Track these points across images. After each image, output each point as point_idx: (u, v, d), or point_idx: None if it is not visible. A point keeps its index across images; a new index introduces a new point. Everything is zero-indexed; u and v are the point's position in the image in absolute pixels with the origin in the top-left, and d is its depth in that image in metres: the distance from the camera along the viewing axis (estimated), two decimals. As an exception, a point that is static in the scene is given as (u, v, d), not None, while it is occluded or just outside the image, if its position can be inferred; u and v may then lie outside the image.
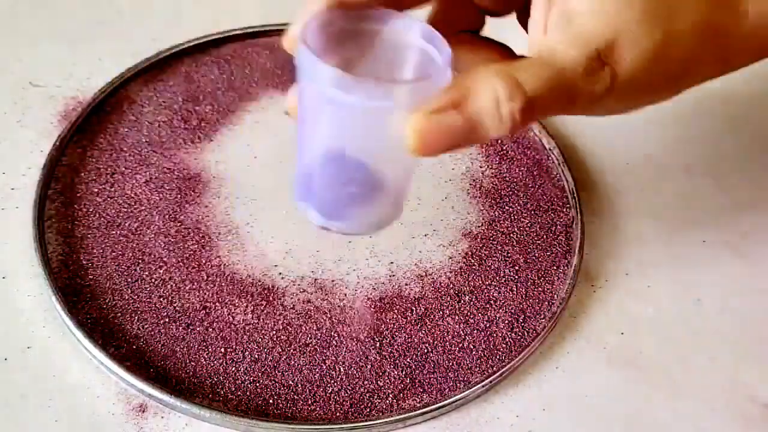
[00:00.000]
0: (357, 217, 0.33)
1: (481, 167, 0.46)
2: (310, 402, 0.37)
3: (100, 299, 0.39)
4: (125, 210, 0.42)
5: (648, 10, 0.29)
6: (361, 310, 0.40)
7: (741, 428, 0.38)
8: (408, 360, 0.38)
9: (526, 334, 0.39)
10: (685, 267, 0.43)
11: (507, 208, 0.44)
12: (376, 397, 0.37)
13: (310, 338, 0.38)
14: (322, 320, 0.39)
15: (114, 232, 0.41)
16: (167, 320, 0.38)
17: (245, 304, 0.39)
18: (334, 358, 0.38)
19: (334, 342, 0.38)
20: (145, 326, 0.38)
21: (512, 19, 0.35)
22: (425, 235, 0.43)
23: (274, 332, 0.38)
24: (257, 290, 0.40)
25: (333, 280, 0.40)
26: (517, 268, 0.42)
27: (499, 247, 0.43)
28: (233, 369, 0.37)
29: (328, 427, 0.36)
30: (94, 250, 0.40)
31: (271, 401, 0.36)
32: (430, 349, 0.39)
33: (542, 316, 0.40)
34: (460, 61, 0.31)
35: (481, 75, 0.28)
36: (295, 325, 0.39)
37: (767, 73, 0.54)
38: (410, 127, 0.28)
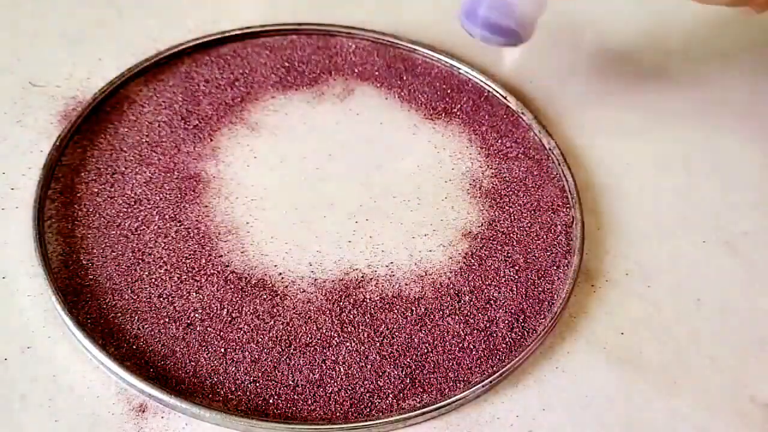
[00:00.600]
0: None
1: (481, 167, 0.46)
2: (310, 402, 0.37)
3: (100, 299, 0.39)
4: (125, 210, 0.42)
5: None
6: (360, 310, 0.40)
7: (741, 428, 0.38)
8: (408, 360, 0.38)
9: (526, 334, 0.39)
10: (685, 267, 0.43)
11: (507, 208, 0.44)
12: (376, 397, 0.37)
13: (310, 338, 0.38)
14: (322, 320, 0.39)
15: (114, 232, 0.41)
16: (167, 320, 0.38)
17: (245, 304, 0.39)
18: (334, 358, 0.38)
19: (334, 342, 0.38)
20: (145, 326, 0.38)
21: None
22: (425, 235, 0.43)
23: (274, 332, 0.38)
24: (257, 290, 0.40)
25: (333, 280, 0.40)
26: (517, 268, 0.42)
27: (499, 247, 0.43)
28: (233, 369, 0.37)
29: (328, 427, 0.36)
30: (94, 250, 0.40)
31: (271, 401, 0.36)
32: (430, 349, 0.39)
33: (542, 316, 0.40)
34: None
35: None
36: (295, 325, 0.39)
37: (767, 73, 0.54)
38: None
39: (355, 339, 0.39)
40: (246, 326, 0.39)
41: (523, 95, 0.50)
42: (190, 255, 0.41)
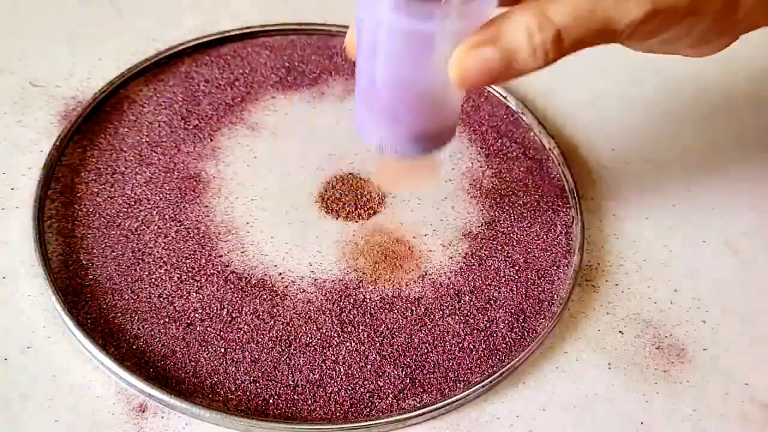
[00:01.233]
0: (416, 136, 0.34)
1: (481, 167, 0.46)
2: (310, 402, 0.37)
3: (100, 299, 0.39)
4: (125, 210, 0.42)
5: None
6: (360, 310, 0.40)
7: (741, 428, 0.38)
8: (408, 360, 0.38)
9: (526, 334, 0.39)
10: (685, 267, 0.43)
11: (507, 208, 0.44)
12: (376, 397, 0.37)
13: (310, 338, 0.38)
14: (322, 320, 0.39)
15: (114, 232, 0.41)
16: (167, 320, 0.38)
17: (245, 304, 0.39)
18: (334, 358, 0.38)
19: (334, 342, 0.38)
20: (145, 326, 0.38)
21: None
22: (425, 235, 0.43)
23: (274, 332, 0.38)
24: (257, 290, 0.40)
25: (333, 280, 0.40)
26: (517, 268, 0.42)
27: (499, 247, 0.43)
28: (233, 369, 0.37)
29: (328, 427, 0.36)
30: (94, 250, 0.40)
31: (271, 401, 0.36)
32: (430, 349, 0.39)
33: (542, 316, 0.40)
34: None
35: (515, 11, 0.30)
36: (295, 325, 0.39)
37: (767, 72, 0.54)
38: (452, 61, 0.30)
39: (355, 339, 0.39)
40: (246, 326, 0.39)
41: (523, 95, 0.50)
42: (190, 255, 0.41)
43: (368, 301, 0.40)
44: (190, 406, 0.35)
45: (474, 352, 0.39)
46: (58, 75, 0.48)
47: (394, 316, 0.39)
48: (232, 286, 0.40)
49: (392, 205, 0.44)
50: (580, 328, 0.40)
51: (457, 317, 0.40)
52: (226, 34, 0.50)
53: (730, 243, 0.44)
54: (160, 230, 0.41)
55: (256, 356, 0.38)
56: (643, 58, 0.54)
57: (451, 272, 0.41)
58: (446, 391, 0.37)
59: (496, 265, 0.42)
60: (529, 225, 0.44)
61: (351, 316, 0.39)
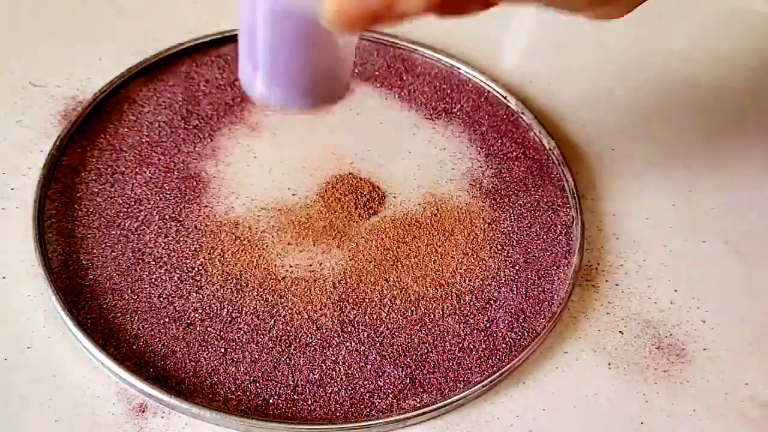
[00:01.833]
0: (299, 87, 0.31)
1: (481, 167, 0.46)
2: (310, 402, 0.37)
3: (100, 299, 0.39)
4: (125, 210, 0.42)
5: None
6: (360, 310, 0.40)
7: (741, 428, 0.38)
8: (408, 360, 0.38)
9: (526, 334, 0.39)
10: (685, 267, 0.43)
11: (507, 208, 0.44)
12: (376, 397, 0.37)
13: (310, 338, 0.38)
14: (321, 320, 0.39)
15: (114, 232, 0.41)
16: (167, 320, 0.38)
17: (245, 304, 0.39)
18: (334, 358, 0.38)
19: (334, 342, 0.38)
20: (145, 326, 0.38)
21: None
22: (425, 235, 0.43)
23: (274, 332, 0.38)
24: (257, 290, 0.40)
25: (333, 281, 0.40)
26: (517, 268, 0.42)
27: (499, 247, 0.43)
28: (233, 369, 0.37)
29: (328, 427, 0.36)
30: (94, 250, 0.40)
31: (271, 401, 0.36)
32: (430, 349, 0.39)
33: (542, 316, 0.40)
34: None
35: None
36: (295, 325, 0.39)
37: (767, 72, 0.54)
38: (328, 2, 0.27)
39: (355, 339, 0.39)
40: (246, 326, 0.39)
41: (523, 95, 0.50)
42: (190, 255, 0.41)
43: (368, 301, 0.40)
44: (190, 406, 0.35)
45: (474, 352, 0.39)
46: (58, 75, 0.48)
47: (394, 316, 0.39)
48: (232, 286, 0.40)
49: (392, 205, 0.44)
50: (580, 328, 0.40)
51: (457, 317, 0.40)
52: (226, 34, 0.50)
53: (730, 243, 0.44)
54: (160, 230, 0.41)
55: (256, 356, 0.38)
56: (644, 58, 0.54)
57: (451, 272, 0.41)
58: (446, 391, 0.37)
59: (496, 265, 0.42)
60: (529, 225, 0.44)
61: (351, 316, 0.39)
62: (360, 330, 0.39)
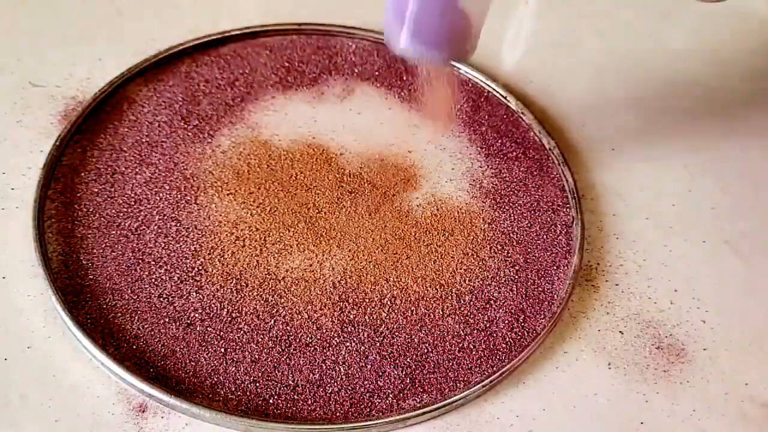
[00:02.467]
0: (438, 39, 0.36)
1: (481, 167, 0.46)
2: (310, 402, 0.37)
3: (100, 299, 0.39)
4: (125, 210, 0.42)
5: None
6: (360, 310, 0.40)
7: (741, 428, 0.38)
8: (408, 360, 0.38)
9: (526, 334, 0.39)
10: (685, 267, 0.43)
11: (507, 208, 0.44)
12: (376, 397, 0.37)
13: (310, 338, 0.38)
14: (321, 320, 0.39)
15: (114, 232, 0.41)
16: (167, 320, 0.38)
17: (245, 304, 0.39)
18: (334, 358, 0.38)
19: (334, 342, 0.38)
20: (145, 326, 0.38)
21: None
22: (425, 235, 0.43)
23: (274, 332, 0.38)
24: (257, 290, 0.40)
25: (333, 281, 0.40)
26: (517, 268, 0.42)
27: (499, 247, 0.43)
28: (233, 369, 0.37)
29: (328, 427, 0.36)
30: (94, 250, 0.40)
31: (271, 401, 0.36)
32: (430, 349, 0.39)
33: (542, 316, 0.40)
34: None
35: None
36: (295, 325, 0.39)
37: (767, 72, 0.54)
38: None
39: (355, 339, 0.39)
40: (246, 326, 0.39)
41: (523, 95, 0.50)
42: (190, 255, 0.41)
43: (368, 301, 0.40)
44: (190, 406, 0.35)
45: (474, 352, 0.39)
46: (58, 75, 0.48)
47: (394, 316, 0.40)
48: (232, 286, 0.40)
49: (392, 204, 0.44)
50: (580, 328, 0.40)
51: (457, 317, 0.40)
52: (226, 34, 0.50)
53: (730, 243, 0.44)
54: (160, 230, 0.41)
55: (256, 356, 0.38)
56: (644, 58, 0.54)
57: (451, 272, 0.41)
58: (446, 391, 0.37)
59: (496, 265, 0.42)
60: (529, 225, 0.44)
61: (351, 316, 0.39)
62: (360, 330, 0.39)
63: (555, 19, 0.56)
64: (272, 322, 0.39)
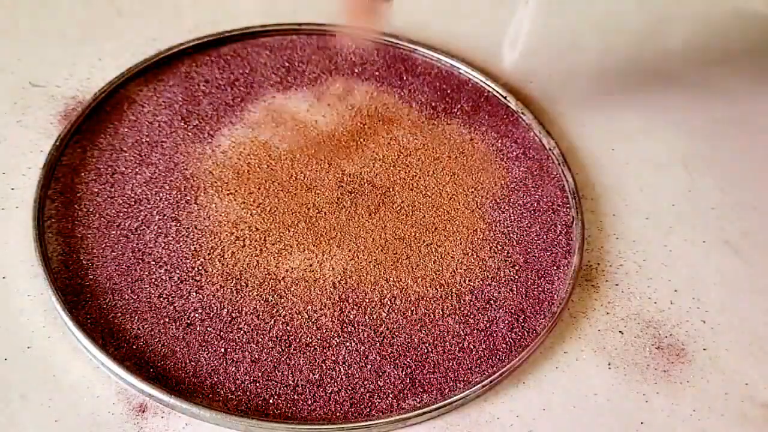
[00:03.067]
0: None
1: (481, 167, 0.46)
2: (310, 402, 0.37)
3: (100, 299, 0.39)
4: (125, 210, 0.42)
5: None
6: (360, 310, 0.40)
7: (741, 428, 0.38)
8: (408, 360, 0.38)
9: (526, 334, 0.39)
10: (685, 267, 0.43)
11: (507, 208, 0.44)
12: (376, 397, 0.37)
13: (310, 338, 0.38)
14: (321, 320, 0.39)
15: (114, 232, 0.41)
16: (167, 320, 0.38)
17: (245, 304, 0.39)
18: (334, 358, 0.38)
19: (334, 342, 0.38)
20: (145, 326, 0.38)
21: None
22: (425, 235, 0.43)
23: (274, 332, 0.38)
24: (257, 290, 0.40)
25: (333, 281, 0.40)
26: (517, 268, 0.42)
27: (499, 247, 0.43)
28: (233, 369, 0.37)
29: (328, 427, 0.36)
30: (94, 250, 0.40)
31: (271, 401, 0.36)
32: (430, 349, 0.39)
33: (542, 316, 0.40)
34: None
35: None
36: (295, 325, 0.39)
37: (767, 73, 0.54)
38: None
39: (355, 339, 0.39)
40: (246, 326, 0.39)
41: (523, 95, 0.50)
42: (190, 255, 0.41)
43: (368, 301, 0.40)
44: (190, 406, 0.35)
45: (474, 352, 0.39)
46: (58, 75, 0.48)
47: (394, 316, 0.40)
48: (232, 286, 0.40)
49: (393, 205, 0.44)
50: (580, 328, 0.40)
51: (457, 317, 0.40)
52: (226, 34, 0.50)
53: (730, 243, 0.44)
54: (160, 230, 0.41)
55: (256, 356, 0.38)
56: (644, 58, 0.54)
57: (451, 272, 0.41)
58: (446, 391, 0.37)
59: (496, 265, 0.42)
60: (529, 225, 0.44)
61: (351, 316, 0.39)
62: (360, 330, 0.39)
63: (555, 19, 0.56)
64: (272, 322, 0.39)
